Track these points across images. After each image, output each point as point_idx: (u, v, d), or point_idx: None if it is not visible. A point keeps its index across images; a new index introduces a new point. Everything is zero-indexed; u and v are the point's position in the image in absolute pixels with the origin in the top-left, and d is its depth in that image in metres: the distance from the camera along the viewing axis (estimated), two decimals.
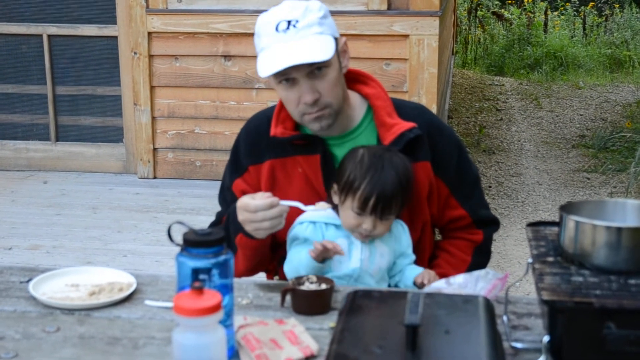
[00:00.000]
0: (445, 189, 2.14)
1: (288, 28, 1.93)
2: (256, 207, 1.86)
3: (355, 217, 1.96)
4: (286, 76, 1.96)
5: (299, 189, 2.08)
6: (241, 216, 1.90)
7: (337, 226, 2.00)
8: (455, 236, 2.21)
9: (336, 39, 2.00)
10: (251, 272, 2.14)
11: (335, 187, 2.01)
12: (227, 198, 2.19)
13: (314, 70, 1.95)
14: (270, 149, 2.11)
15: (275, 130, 2.07)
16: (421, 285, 1.96)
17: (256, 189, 2.12)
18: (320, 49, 1.93)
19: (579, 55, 11.78)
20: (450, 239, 2.21)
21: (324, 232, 2.00)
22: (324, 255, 1.91)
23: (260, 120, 2.16)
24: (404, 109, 2.12)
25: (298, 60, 1.91)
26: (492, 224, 2.23)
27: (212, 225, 2.21)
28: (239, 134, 2.20)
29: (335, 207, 2.02)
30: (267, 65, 1.94)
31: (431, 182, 2.10)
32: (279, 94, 2.04)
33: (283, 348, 1.55)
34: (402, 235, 2.05)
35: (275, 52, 1.93)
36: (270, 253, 2.13)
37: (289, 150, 2.09)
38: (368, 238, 1.99)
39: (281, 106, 2.10)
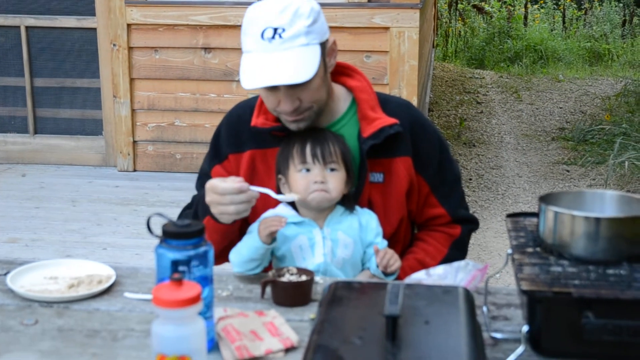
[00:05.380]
0: (425, 187, 2.14)
1: (273, 37, 1.89)
2: (224, 190, 1.84)
3: (303, 176, 1.97)
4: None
5: None
6: (209, 197, 1.88)
7: (296, 224, 1.99)
8: (434, 229, 2.21)
9: (323, 43, 1.96)
10: (218, 258, 2.09)
11: (280, 177, 2.02)
12: (205, 184, 2.18)
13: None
14: (251, 139, 2.10)
15: (257, 120, 2.07)
16: (384, 269, 1.96)
17: None
18: (304, 67, 1.90)
19: (558, 48, 11.85)
20: (428, 230, 2.22)
21: (282, 231, 1.96)
22: (269, 228, 1.89)
23: (243, 109, 2.15)
24: (389, 104, 2.12)
25: (279, 81, 1.89)
26: (470, 222, 2.24)
27: (186, 208, 2.21)
28: (221, 122, 2.19)
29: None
30: (249, 77, 1.91)
31: (412, 179, 2.10)
32: (260, 93, 2.03)
33: (263, 339, 1.55)
34: (369, 224, 2.04)
35: (257, 63, 1.91)
36: (238, 239, 2.12)
37: (269, 142, 2.09)
38: (326, 198, 1.96)
39: None
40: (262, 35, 1.90)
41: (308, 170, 1.97)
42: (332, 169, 1.98)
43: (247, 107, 2.14)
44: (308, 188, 1.96)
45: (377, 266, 1.97)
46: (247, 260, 1.92)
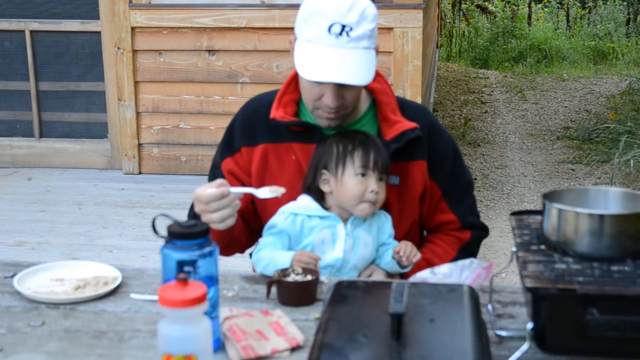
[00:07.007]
0: (437, 192, 2.15)
1: (341, 34, 1.90)
2: (208, 198, 1.82)
3: (360, 181, 1.97)
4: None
5: (290, 176, 2.08)
6: (197, 207, 1.86)
7: (321, 217, 2.01)
8: (444, 232, 2.22)
9: (375, 49, 2.00)
10: (224, 250, 2.08)
11: (324, 172, 2.01)
12: (217, 176, 2.19)
13: None
14: (266, 132, 2.11)
15: (276, 113, 2.07)
16: (399, 259, 1.99)
17: (246, 171, 2.12)
18: (366, 70, 1.93)
19: (562, 47, 11.83)
20: (438, 233, 2.22)
21: (307, 224, 1.99)
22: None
23: (259, 103, 2.16)
24: (407, 108, 2.14)
25: (347, 80, 1.90)
26: (480, 229, 2.25)
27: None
28: (236, 114, 2.20)
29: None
30: (312, 69, 1.92)
31: (426, 183, 2.12)
32: (301, 82, 2.03)
33: (269, 339, 1.55)
34: (384, 224, 2.06)
35: (322, 57, 1.91)
36: (245, 240, 2.15)
37: (285, 136, 2.09)
38: (375, 207, 1.99)
39: (285, 90, 2.10)
40: (329, 29, 1.90)
41: (363, 175, 1.98)
42: (381, 179, 2.00)
43: (263, 101, 2.15)
44: (363, 195, 1.97)
45: (393, 257, 2.00)
46: (272, 272, 1.93)
